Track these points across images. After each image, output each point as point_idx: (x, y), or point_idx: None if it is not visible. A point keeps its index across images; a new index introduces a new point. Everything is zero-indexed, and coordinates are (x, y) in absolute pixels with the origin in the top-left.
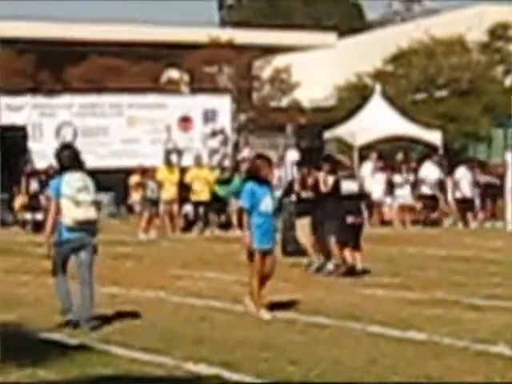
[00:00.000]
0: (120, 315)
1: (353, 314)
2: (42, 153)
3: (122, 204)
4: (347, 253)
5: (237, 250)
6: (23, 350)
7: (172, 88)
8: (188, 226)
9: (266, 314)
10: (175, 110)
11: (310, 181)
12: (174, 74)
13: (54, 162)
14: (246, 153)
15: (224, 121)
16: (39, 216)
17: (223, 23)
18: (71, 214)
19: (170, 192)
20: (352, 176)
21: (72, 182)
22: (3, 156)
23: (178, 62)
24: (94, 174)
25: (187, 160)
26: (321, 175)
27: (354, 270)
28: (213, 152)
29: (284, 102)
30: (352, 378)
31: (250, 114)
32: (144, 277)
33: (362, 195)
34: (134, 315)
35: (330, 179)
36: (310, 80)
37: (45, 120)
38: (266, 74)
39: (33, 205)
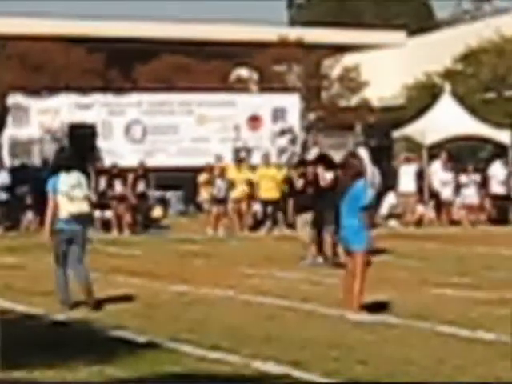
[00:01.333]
0: (188, 313)
1: (421, 314)
2: (111, 151)
3: (191, 202)
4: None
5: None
6: (92, 347)
7: (241, 87)
8: (256, 224)
9: (353, 315)
10: (244, 109)
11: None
12: (243, 72)
13: (118, 161)
14: (314, 152)
15: (293, 120)
16: (108, 214)
17: (292, 22)
18: (66, 208)
19: (238, 190)
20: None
21: (67, 180)
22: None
23: (248, 61)
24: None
25: (256, 158)
26: (320, 171)
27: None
28: (281, 151)
29: (353, 100)
30: (421, 378)
31: (318, 112)
32: (212, 275)
33: None
34: (202, 313)
35: (328, 175)
36: (379, 79)
37: (114, 118)
38: (335, 72)
39: (101, 203)
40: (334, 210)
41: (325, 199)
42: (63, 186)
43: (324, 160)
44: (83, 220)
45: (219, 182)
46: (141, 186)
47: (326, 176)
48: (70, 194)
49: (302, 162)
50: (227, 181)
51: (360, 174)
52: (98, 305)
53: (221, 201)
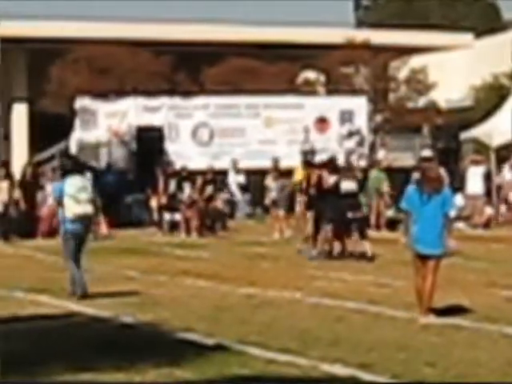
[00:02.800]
0: (256, 316)
1: (489, 316)
2: (178, 153)
3: (259, 205)
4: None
5: (373, 251)
6: (160, 349)
7: (308, 89)
8: None
9: (422, 318)
10: (312, 111)
11: (313, 178)
12: (310, 74)
13: (187, 164)
14: (381, 154)
15: (360, 121)
16: (177, 216)
17: (359, 24)
18: (72, 209)
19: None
20: (353, 177)
21: (73, 184)
22: (140, 156)
23: (315, 63)
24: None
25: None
26: (324, 174)
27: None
28: (349, 153)
29: (420, 102)
30: (489, 380)
31: (386, 114)
32: (280, 277)
33: (358, 193)
34: (269, 316)
35: (331, 178)
36: (447, 80)
37: (181, 121)
38: (403, 74)
39: (171, 205)
40: (334, 211)
41: (326, 200)
42: (70, 189)
43: (329, 164)
44: (87, 220)
45: (273, 185)
46: (209, 190)
47: (330, 179)
48: (76, 196)
49: (309, 164)
50: (281, 183)
51: (441, 179)
52: (85, 296)
53: (274, 202)
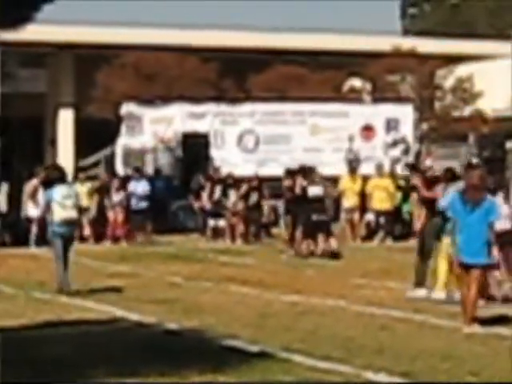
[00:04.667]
0: (300, 323)
1: None
2: (224, 160)
3: None
4: (304, 245)
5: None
6: (204, 356)
7: (354, 97)
8: (369, 234)
9: (466, 328)
10: (357, 119)
11: (287, 183)
12: (356, 82)
13: (233, 171)
14: (427, 163)
15: (406, 130)
16: (222, 223)
17: (406, 32)
18: (59, 214)
19: (351, 200)
20: (319, 183)
21: (60, 192)
22: (185, 163)
23: (361, 71)
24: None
25: (368, 169)
26: (298, 181)
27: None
28: (394, 161)
29: (466, 111)
30: None
31: (431, 123)
32: (324, 285)
33: (324, 198)
34: (313, 323)
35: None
36: (493, 89)
37: (227, 128)
38: (449, 83)
39: (216, 211)
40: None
41: (299, 205)
42: (57, 196)
43: (303, 171)
44: (72, 224)
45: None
46: (254, 197)
47: (302, 184)
48: (62, 202)
49: (289, 173)
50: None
51: (482, 186)
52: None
53: None
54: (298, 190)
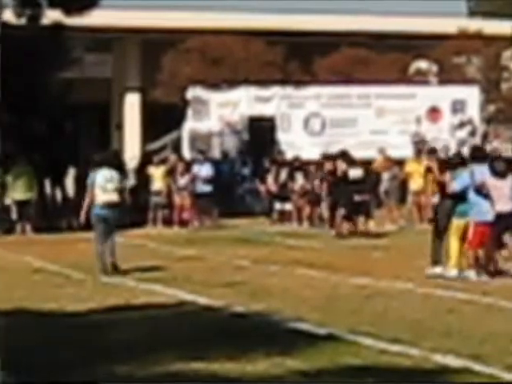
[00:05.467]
0: (368, 306)
1: None
2: (290, 143)
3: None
4: (345, 225)
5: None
6: (271, 339)
7: (420, 79)
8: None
9: None
10: (424, 101)
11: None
12: (422, 64)
13: (300, 154)
14: (495, 144)
15: (472, 111)
16: (288, 206)
17: (472, 13)
18: (101, 197)
19: (418, 183)
20: (358, 165)
21: (103, 175)
22: (252, 146)
23: (427, 53)
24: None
25: None
26: (339, 164)
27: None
28: (461, 143)
29: None
30: None
31: (498, 104)
32: (392, 268)
33: (365, 179)
34: (381, 306)
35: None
36: None
37: (293, 111)
38: None
39: (282, 195)
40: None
41: (340, 187)
42: (99, 180)
43: (343, 155)
44: (113, 206)
45: (385, 175)
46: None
47: (342, 167)
48: (104, 186)
49: (327, 157)
50: (392, 173)
51: None
52: (115, 269)
53: (386, 193)
54: (339, 173)
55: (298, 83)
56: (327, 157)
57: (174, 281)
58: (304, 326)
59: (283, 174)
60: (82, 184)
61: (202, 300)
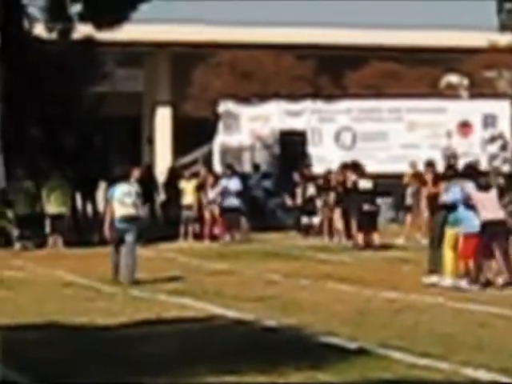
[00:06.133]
0: (398, 320)
1: None
2: (321, 157)
3: (402, 209)
4: (360, 236)
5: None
6: (303, 353)
7: (451, 93)
8: None
9: None
10: (455, 115)
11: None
12: (453, 78)
13: (332, 167)
14: None
15: (503, 126)
16: (316, 220)
17: (503, 27)
18: (119, 211)
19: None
20: (368, 176)
21: (121, 190)
22: (283, 160)
23: (457, 67)
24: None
25: None
26: (349, 175)
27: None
28: (492, 157)
29: None
30: None
31: None
32: (422, 282)
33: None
34: (411, 320)
35: (354, 178)
36: None
37: (324, 125)
38: None
39: (309, 209)
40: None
41: (350, 197)
42: (118, 194)
43: (354, 166)
44: (131, 220)
45: (409, 190)
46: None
47: (352, 178)
48: (122, 200)
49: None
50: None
51: None
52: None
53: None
54: (349, 184)
55: (329, 97)
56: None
57: (205, 295)
58: (335, 340)
59: (311, 189)
60: None
61: (233, 314)
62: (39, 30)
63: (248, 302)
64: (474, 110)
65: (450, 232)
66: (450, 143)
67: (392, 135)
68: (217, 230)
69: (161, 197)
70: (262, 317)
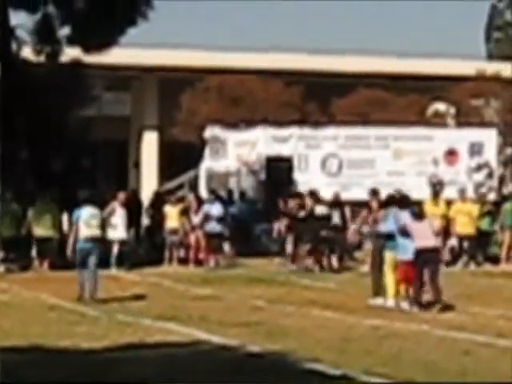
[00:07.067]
0: (382, 347)
1: None
2: (307, 183)
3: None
4: (309, 260)
5: (502, 284)
6: (287, 379)
7: (438, 121)
8: (453, 259)
9: None
10: (441, 143)
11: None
12: (440, 106)
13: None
14: (511, 187)
15: (490, 154)
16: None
17: (490, 56)
18: (84, 232)
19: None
20: (324, 203)
21: (87, 212)
22: (269, 186)
23: (445, 95)
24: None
25: (451, 193)
26: (307, 201)
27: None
28: (478, 185)
29: None
30: None
31: None
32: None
33: (330, 216)
34: (396, 347)
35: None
36: None
37: (310, 151)
38: None
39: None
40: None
41: (307, 223)
42: (84, 216)
43: (311, 194)
44: (96, 241)
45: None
46: (337, 220)
47: (308, 204)
48: (88, 222)
49: (296, 195)
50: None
51: None
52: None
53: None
54: (307, 209)
55: (316, 124)
56: (294, 195)
57: (190, 320)
58: (319, 367)
59: (302, 214)
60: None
61: (218, 339)
62: (27, 52)
63: (233, 328)
64: (460, 138)
65: (389, 256)
66: (436, 171)
67: (378, 162)
68: (202, 255)
69: (145, 221)
70: (247, 342)
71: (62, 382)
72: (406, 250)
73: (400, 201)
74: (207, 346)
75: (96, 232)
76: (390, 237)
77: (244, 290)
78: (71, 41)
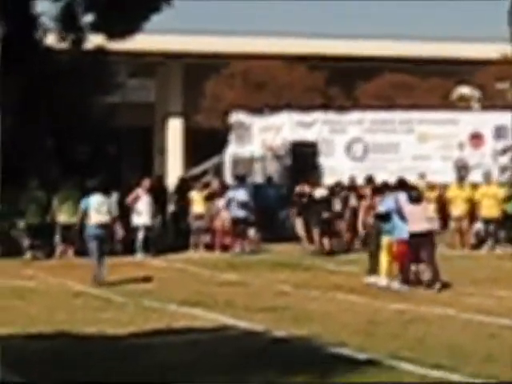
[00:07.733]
0: (408, 331)
1: None
2: (332, 169)
3: None
4: (326, 241)
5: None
6: (312, 364)
7: (462, 105)
8: (478, 243)
9: None
10: (466, 127)
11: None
12: (464, 90)
13: (342, 179)
14: None
15: None
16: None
17: None
18: (95, 218)
19: (459, 209)
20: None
21: (97, 199)
22: (294, 171)
23: (469, 79)
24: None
25: (476, 177)
26: (305, 188)
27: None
28: (503, 169)
29: None
30: None
31: None
32: (433, 293)
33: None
34: (422, 332)
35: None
36: None
37: (335, 136)
38: None
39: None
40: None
41: (309, 207)
42: (94, 203)
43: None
44: (105, 227)
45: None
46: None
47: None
48: (98, 209)
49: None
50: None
51: None
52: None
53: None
54: (306, 196)
55: (340, 108)
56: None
57: (215, 305)
58: (345, 351)
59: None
60: (124, 208)
61: (243, 324)
62: (51, 39)
63: (258, 313)
64: (485, 121)
65: (385, 239)
66: (461, 154)
67: (403, 147)
68: (227, 241)
69: (171, 207)
70: (272, 327)
71: (87, 367)
72: (401, 230)
73: (396, 186)
74: (233, 331)
75: (105, 218)
76: (386, 219)
77: (269, 275)
78: (95, 28)
